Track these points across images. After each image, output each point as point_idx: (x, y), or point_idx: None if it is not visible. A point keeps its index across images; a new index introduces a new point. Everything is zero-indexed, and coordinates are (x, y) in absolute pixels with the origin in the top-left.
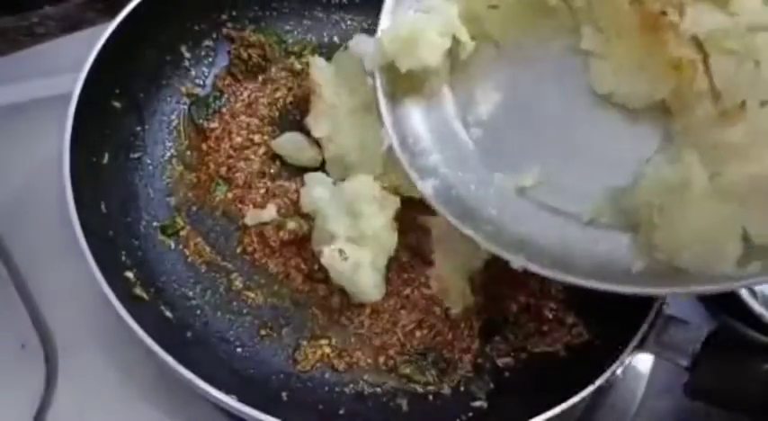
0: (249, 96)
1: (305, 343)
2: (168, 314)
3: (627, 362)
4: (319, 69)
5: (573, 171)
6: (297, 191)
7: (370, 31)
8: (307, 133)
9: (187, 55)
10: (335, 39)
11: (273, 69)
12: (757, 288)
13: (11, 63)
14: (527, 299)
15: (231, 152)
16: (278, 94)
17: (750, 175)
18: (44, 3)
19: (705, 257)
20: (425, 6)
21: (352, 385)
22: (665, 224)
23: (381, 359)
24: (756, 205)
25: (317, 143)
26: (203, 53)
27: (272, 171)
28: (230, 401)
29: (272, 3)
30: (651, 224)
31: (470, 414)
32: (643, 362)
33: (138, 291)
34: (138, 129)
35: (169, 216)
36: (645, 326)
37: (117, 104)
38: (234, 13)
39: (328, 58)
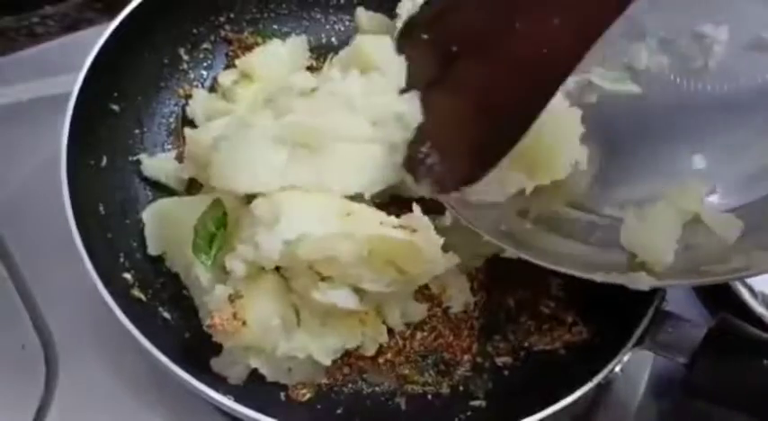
0: None
1: None
2: (166, 315)
3: (625, 360)
4: None
5: None
6: None
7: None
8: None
9: (185, 57)
10: (333, 40)
11: None
12: (757, 288)
13: (11, 63)
14: (527, 297)
15: None
16: None
17: None
18: (44, 3)
19: None
20: None
21: (350, 384)
22: None
23: (380, 359)
24: None
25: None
26: (201, 55)
27: None
28: (228, 402)
29: (270, 5)
30: None
31: (469, 413)
32: (643, 360)
33: (137, 292)
34: (137, 131)
35: None
36: (643, 324)
37: (115, 107)
38: (232, 16)
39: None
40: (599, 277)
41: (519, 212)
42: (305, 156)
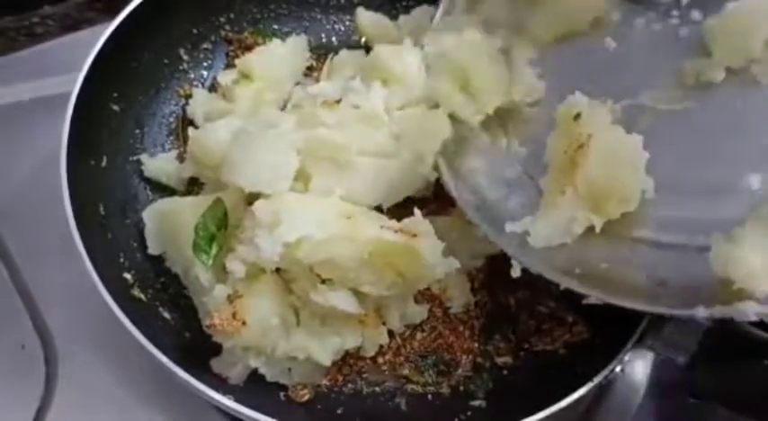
0: None
1: None
2: (166, 315)
3: (626, 359)
4: None
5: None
6: None
7: None
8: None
9: (185, 57)
10: (333, 40)
11: None
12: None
13: (11, 63)
14: (527, 297)
15: None
16: None
17: None
18: (44, 3)
19: None
20: None
21: (350, 384)
22: None
23: (380, 359)
24: None
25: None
26: (201, 55)
27: None
28: (227, 402)
29: (270, 5)
30: None
31: (469, 413)
32: (643, 360)
33: (137, 292)
34: (137, 131)
35: None
36: (643, 324)
37: (115, 107)
38: (232, 16)
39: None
40: (701, 312)
41: (590, 251)
42: (329, 168)
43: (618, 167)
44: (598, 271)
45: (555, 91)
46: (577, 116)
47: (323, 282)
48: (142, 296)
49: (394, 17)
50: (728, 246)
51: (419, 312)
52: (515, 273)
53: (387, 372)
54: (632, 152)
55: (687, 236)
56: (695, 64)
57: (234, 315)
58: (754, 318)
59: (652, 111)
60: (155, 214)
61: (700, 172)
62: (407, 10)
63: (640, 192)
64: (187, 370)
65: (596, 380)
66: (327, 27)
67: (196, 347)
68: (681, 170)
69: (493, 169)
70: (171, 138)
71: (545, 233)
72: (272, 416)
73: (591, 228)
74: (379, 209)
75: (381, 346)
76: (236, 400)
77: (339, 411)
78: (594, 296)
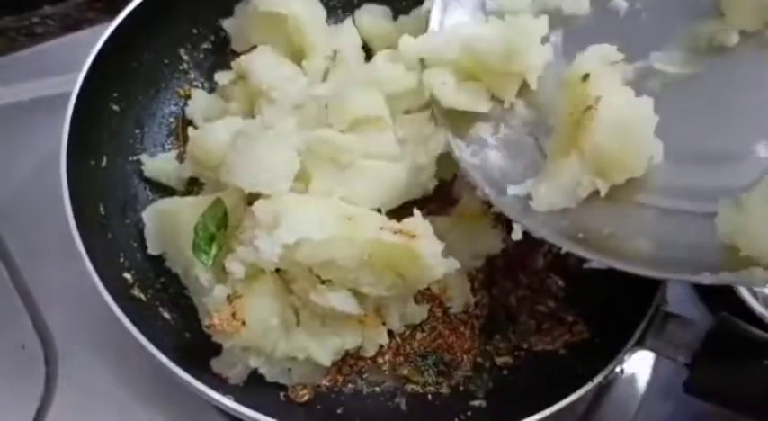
0: None
1: None
2: (166, 315)
3: (626, 360)
4: None
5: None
6: None
7: None
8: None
9: (185, 57)
10: None
11: None
12: (757, 288)
13: (11, 63)
14: (527, 297)
15: None
16: None
17: None
18: (44, 3)
19: None
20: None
21: (350, 384)
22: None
23: (380, 360)
24: None
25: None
26: (201, 56)
27: None
28: (227, 402)
29: None
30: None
31: (469, 412)
32: (644, 360)
33: (137, 292)
34: (137, 131)
35: None
36: (644, 324)
37: (115, 107)
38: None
39: None
40: (706, 279)
41: (594, 216)
42: (331, 169)
43: (626, 131)
44: (602, 235)
45: (562, 52)
46: (586, 77)
47: (323, 282)
48: (142, 296)
49: (393, 18)
50: (734, 212)
51: (419, 312)
52: (516, 235)
53: (387, 372)
54: (642, 115)
55: (694, 202)
56: (708, 26)
57: (233, 315)
58: (761, 286)
59: (662, 75)
60: (155, 214)
61: (709, 138)
62: (407, 10)
63: (648, 158)
64: (187, 370)
65: (596, 380)
66: None
67: (196, 347)
68: (689, 136)
69: (497, 130)
70: (171, 138)
71: (548, 198)
72: (272, 416)
73: (595, 193)
74: (378, 209)
75: (381, 346)
76: (236, 400)
77: (339, 411)
78: (597, 260)
